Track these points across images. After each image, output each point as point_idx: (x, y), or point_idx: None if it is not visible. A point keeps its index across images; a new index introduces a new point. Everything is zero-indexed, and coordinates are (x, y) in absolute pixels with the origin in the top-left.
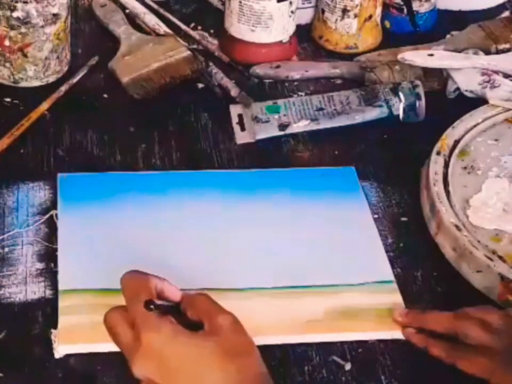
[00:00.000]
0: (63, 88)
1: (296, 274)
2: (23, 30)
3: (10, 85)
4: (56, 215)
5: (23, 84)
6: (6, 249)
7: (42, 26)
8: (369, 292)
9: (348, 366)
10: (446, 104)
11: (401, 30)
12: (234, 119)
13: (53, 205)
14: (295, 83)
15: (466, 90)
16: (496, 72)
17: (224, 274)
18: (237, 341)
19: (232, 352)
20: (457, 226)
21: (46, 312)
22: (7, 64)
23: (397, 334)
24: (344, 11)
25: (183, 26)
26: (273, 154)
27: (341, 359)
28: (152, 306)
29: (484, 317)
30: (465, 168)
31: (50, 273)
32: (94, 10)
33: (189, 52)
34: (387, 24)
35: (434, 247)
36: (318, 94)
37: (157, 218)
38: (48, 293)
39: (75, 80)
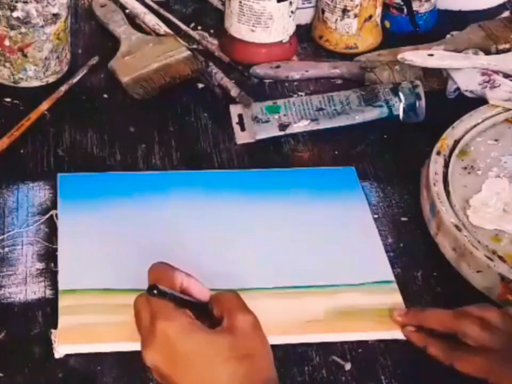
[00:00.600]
0: (63, 88)
1: (296, 274)
2: (23, 30)
3: (10, 85)
4: (56, 215)
5: (23, 84)
6: (6, 249)
7: (42, 26)
8: (370, 292)
9: (348, 366)
10: (446, 104)
11: (401, 30)
12: (234, 119)
13: (53, 205)
14: (295, 83)
15: (466, 90)
16: (496, 72)
17: (224, 274)
18: (250, 343)
19: (243, 353)
20: (457, 226)
21: (46, 312)
22: (7, 64)
23: (397, 334)
24: (344, 11)
25: (183, 26)
26: (273, 154)
27: (341, 359)
28: (155, 292)
29: (483, 314)
30: (465, 168)
31: (50, 273)
32: (94, 10)
33: (189, 52)
34: (387, 24)
35: (434, 247)
36: (318, 94)
37: (157, 218)
38: (48, 293)
39: (75, 80)
